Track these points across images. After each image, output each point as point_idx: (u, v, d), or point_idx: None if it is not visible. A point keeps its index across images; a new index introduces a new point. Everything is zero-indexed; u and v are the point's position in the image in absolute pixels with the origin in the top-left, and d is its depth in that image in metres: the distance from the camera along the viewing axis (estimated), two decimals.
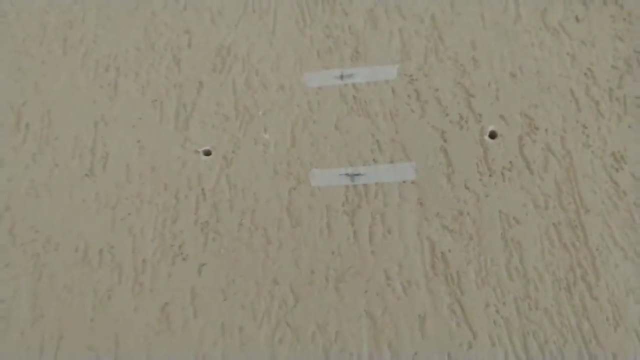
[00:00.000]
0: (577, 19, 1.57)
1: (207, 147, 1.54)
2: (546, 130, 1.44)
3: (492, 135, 1.46)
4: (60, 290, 1.38)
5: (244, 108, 1.58)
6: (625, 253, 1.28)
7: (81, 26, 1.74)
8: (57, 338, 1.33)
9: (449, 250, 1.34)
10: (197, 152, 1.54)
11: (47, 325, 1.35)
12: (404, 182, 1.43)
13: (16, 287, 1.40)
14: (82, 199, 1.49)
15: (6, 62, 1.70)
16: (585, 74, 1.49)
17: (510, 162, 1.42)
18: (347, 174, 1.47)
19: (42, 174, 1.53)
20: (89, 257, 1.41)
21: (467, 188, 1.40)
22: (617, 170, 1.37)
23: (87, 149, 1.55)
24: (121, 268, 1.40)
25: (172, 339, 1.33)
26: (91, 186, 1.50)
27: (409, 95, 1.54)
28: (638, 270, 1.27)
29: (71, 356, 1.32)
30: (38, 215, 1.48)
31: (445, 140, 1.47)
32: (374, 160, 1.47)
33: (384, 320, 1.29)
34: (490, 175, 1.41)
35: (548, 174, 1.39)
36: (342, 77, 1.61)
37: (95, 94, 1.63)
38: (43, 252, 1.43)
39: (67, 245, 1.43)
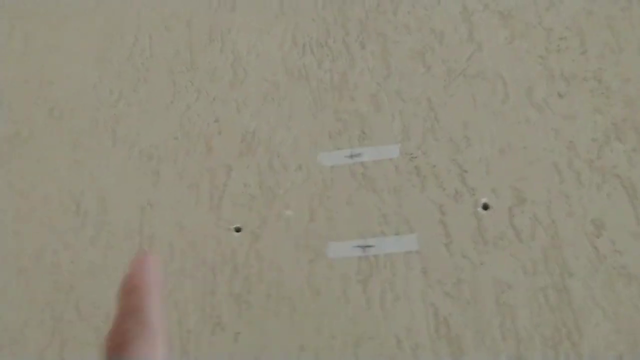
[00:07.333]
0: (559, 95, 1.77)
1: (237, 225, 1.79)
2: (533, 201, 1.63)
3: (485, 207, 1.66)
4: None
5: (268, 188, 1.82)
6: (605, 312, 1.46)
7: (126, 120, 2.03)
8: None
9: (450, 315, 1.54)
10: (229, 229, 1.78)
11: None
12: (409, 252, 1.64)
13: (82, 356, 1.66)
14: None
15: (65, 155, 2.00)
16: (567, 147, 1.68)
17: (502, 232, 1.61)
18: (359, 246, 1.69)
19: (98, 256, 1.80)
20: None
21: (463, 257, 1.60)
22: (597, 237, 1.55)
23: (135, 231, 1.81)
24: (169, 338, 1.64)
25: None
26: None
27: (409, 172, 1.75)
28: (616, 327, 1.44)
29: None
30: (97, 292, 1.74)
31: (443, 213, 1.67)
32: (382, 232, 1.69)
33: None
34: (484, 245, 1.61)
35: (535, 242, 1.58)
36: (351, 156, 1.84)
37: (141, 181, 1.90)
38: (103, 325, 1.68)
39: None
